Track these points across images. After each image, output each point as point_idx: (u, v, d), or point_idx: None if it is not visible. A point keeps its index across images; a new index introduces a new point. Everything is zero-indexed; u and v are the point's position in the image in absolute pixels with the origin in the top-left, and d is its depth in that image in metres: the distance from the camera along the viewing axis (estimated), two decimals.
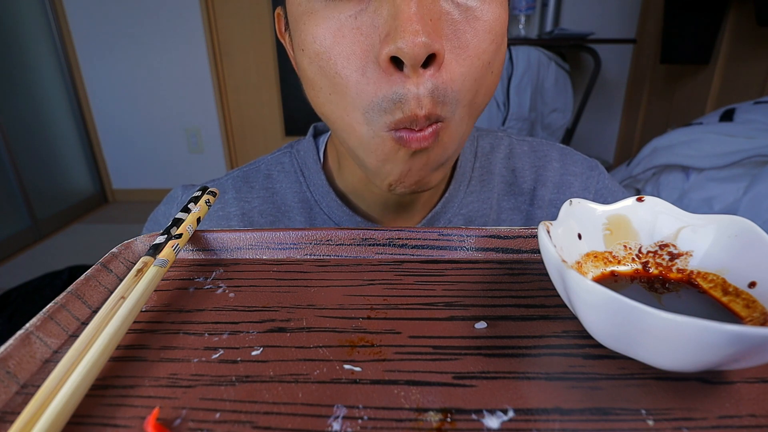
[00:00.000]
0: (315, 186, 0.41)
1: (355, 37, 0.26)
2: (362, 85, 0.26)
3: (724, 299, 0.20)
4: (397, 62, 0.25)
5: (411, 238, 0.28)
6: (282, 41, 0.35)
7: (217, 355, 0.20)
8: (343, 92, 0.27)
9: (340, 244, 0.29)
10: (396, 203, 0.38)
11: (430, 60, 0.25)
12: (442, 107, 0.26)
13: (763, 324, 0.18)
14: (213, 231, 0.29)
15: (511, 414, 0.16)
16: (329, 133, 0.43)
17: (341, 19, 0.26)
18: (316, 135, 0.44)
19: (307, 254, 0.29)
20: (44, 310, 0.21)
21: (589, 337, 0.20)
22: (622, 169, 1.39)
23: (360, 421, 0.16)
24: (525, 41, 1.84)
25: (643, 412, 0.16)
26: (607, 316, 0.16)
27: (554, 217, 0.23)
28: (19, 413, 0.17)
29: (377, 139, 0.28)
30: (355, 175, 0.38)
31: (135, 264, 0.24)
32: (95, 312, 0.24)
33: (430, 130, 0.27)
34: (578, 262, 0.23)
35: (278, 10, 0.34)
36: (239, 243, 0.29)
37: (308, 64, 0.28)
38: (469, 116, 0.29)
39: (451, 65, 0.26)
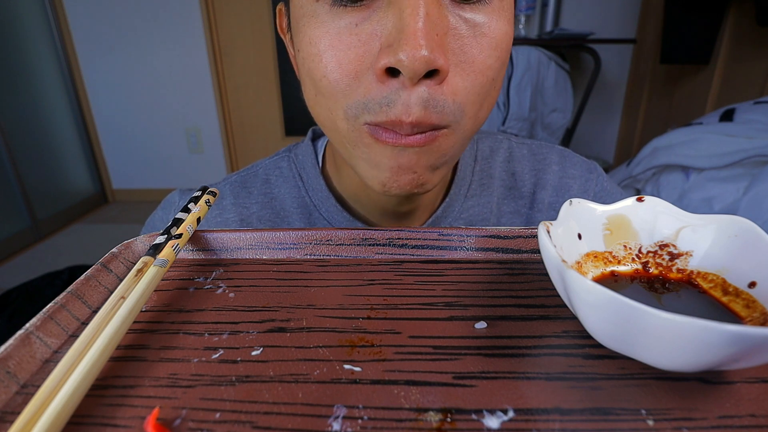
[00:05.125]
0: (314, 191, 0.41)
1: (352, 44, 0.25)
2: (352, 88, 0.26)
3: (724, 299, 0.20)
4: (393, 73, 0.25)
5: (411, 238, 0.28)
6: (283, 38, 0.35)
7: (217, 355, 0.20)
8: (327, 94, 0.27)
9: (340, 244, 0.29)
10: (395, 208, 0.38)
11: (431, 75, 0.25)
12: (440, 116, 0.26)
13: (763, 324, 0.18)
14: (213, 231, 0.29)
15: (511, 414, 0.16)
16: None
17: (341, 25, 0.26)
18: (315, 138, 0.44)
19: (307, 254, 0.29)
20: (44, 310, 0.21)
21: (589, 337, 0.20)
22: (622, 169, 1.39)
23: (360, 421, 0.16)
24: (525, 41, 1.84)
25: (643, 412, 0.16)
26: (607, 316, 0.16)
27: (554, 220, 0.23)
28: (19, 413, 0.17)
29: (355, 132, 0.27)
30: (354, 179, 0.38)
31: (135, 264, 0.24)
32: (95, 312, 0.24)
33: (419, 137, 0.26)
34: (578, 262, 0.23)
35: (280, 5, 0.34)
36: (239, 243, 0.29)
37: (301, 65, 0.29)
38: (473, 128, 0.29)
39: (455, 79, 0.26)
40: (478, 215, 0.41)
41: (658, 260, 0.23)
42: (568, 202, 0.23)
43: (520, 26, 2.00)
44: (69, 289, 0.23)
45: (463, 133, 0.28)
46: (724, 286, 0.21)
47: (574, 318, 0.22)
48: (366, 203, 0.39)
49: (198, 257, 0.29)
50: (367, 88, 0.26)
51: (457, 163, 0.41)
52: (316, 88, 0.28)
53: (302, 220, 0.41)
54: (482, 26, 0.26)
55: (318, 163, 0.42)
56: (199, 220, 0.28)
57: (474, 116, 0.28)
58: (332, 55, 0.26)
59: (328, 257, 0.28)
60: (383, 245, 0.28)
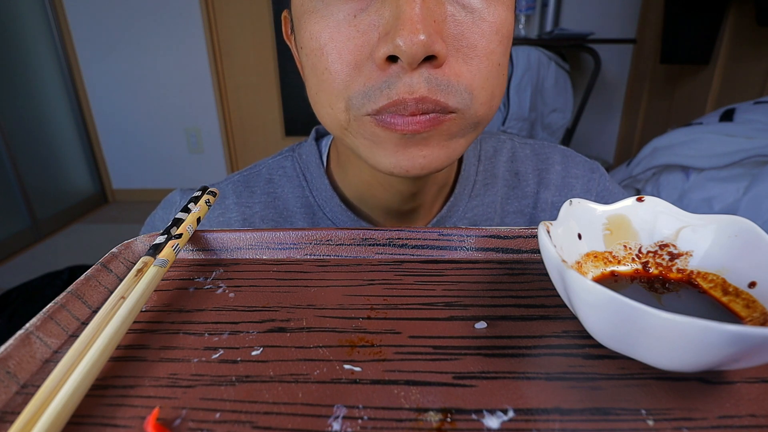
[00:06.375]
0: (318, 190, 0.40)
1: (351, 35, 0.26)
2: (352, 77, 0.26)
3: (724, 299, 0.20)
4: (393, 60, 0.25)
5: (411, 238, 0.28)
6: (288, 44, 0.35)
7: (217, 355, 0.20)
8: (329, 88, 0.27)
9: (340, 244, 0.29)
10: (400, 206, 0.38)
11: (429, 60, 0.25)
12: (446, 95, 0.26)
13: (763, 324, 0.18)
14: (213, 231, 0.29)
15: (511, 414, 0.16)
16: (331, 136, 0.43)
17: (339, 18, 0.26)
18: (318, 138, 0.44)
19: (307, 254, 0.29)
20: (44, 310, 0.21)
21: (589, 337, 0.20)
22: (622, 169, 1.39)
23: (360, 421, 0.16)
24: (525, 41, 1.84)
25: (643, 412, 0.16)
26: (607, 316, 0.16)
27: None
28: (19, 413, 0.17)
29: (356, 122, 0.27)
30: (359, 178, 0.38)
31: (135, 264, 0.24)
32: (95, 312, 0.24)
33: (425, 117, 0.26)
34: (578, 262, 0.23)
35: (285, 12, 0.35)
36: (239, 243, 0.29)
37: (305, 62, 0.29)
38: (486, 115, 0.29)
39: (457, 64, 0.26)
40: (482, 215, 0.41)
41: (658, 260, 0.23)
42: (568, 202, 0.23)
43: (520, 26, 2.00)
44: (69, 289, 0.23)
45: (474, 119, 0.28)
46: (724, 286, 0.21)
47: (574, 318, 0.22)
48: (370, 202, 0.39)
49: (198, 257, 0.29)
50: (367, 77, 0.26)
51: (460, 164, 0.41)
52: (318, 84, 0.28)
53: (306, 220, 0.41)
54: (481, 11, 0.26)
55: (322, 162, 0.42)
56: (199, 220, 0.28)
57: (486, 103, 0.28)
58: (333, 47, 0.26)
59: (328, 257, 0.28)
60: (383, 245, 0.28)
